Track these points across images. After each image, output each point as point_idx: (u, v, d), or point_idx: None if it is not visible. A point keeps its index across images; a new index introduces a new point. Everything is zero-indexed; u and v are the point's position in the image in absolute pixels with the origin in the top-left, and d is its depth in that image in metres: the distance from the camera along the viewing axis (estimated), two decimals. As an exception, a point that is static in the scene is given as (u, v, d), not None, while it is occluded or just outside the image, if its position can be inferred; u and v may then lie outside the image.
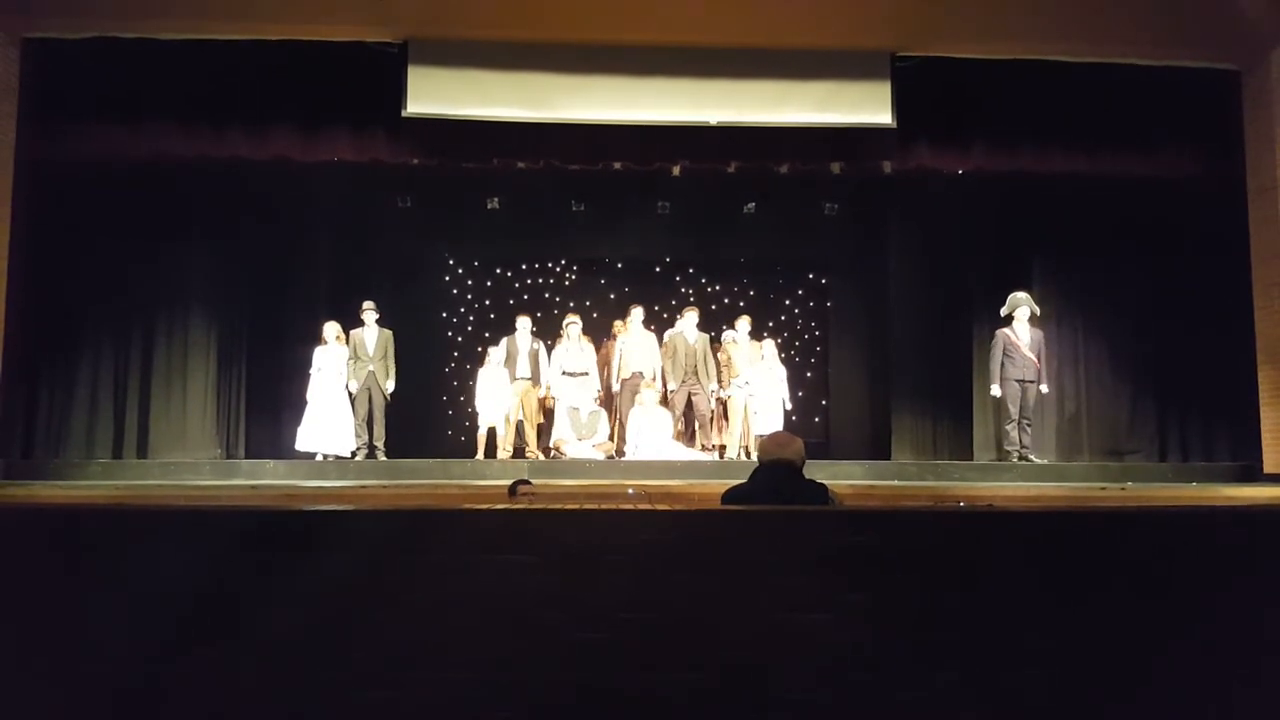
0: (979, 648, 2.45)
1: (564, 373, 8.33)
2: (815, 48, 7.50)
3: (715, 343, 8.73)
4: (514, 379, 8.31)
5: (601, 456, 7.98)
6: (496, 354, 8.43)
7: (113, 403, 8.06)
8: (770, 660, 2.40)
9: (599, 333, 9.33)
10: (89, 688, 2.38)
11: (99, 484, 6.76)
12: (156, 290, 8.27)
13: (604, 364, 8.71)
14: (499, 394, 8.29)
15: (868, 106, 7.57)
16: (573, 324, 8.49)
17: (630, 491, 5.81)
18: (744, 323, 8.69)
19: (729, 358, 8.50)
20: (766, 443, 3.42)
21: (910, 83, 7.57)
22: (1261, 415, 7.49)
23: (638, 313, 8.63)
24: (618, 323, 9.08)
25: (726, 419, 8.61)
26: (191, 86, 7.26)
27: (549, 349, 8.62)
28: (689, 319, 8.43)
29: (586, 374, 8.35)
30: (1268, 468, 7.38)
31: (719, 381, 8.47)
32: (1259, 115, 7.57)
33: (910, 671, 2.42)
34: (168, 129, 7.33)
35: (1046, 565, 2.54)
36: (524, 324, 8.53)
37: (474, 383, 8.61)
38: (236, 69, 7.29)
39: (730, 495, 3.26)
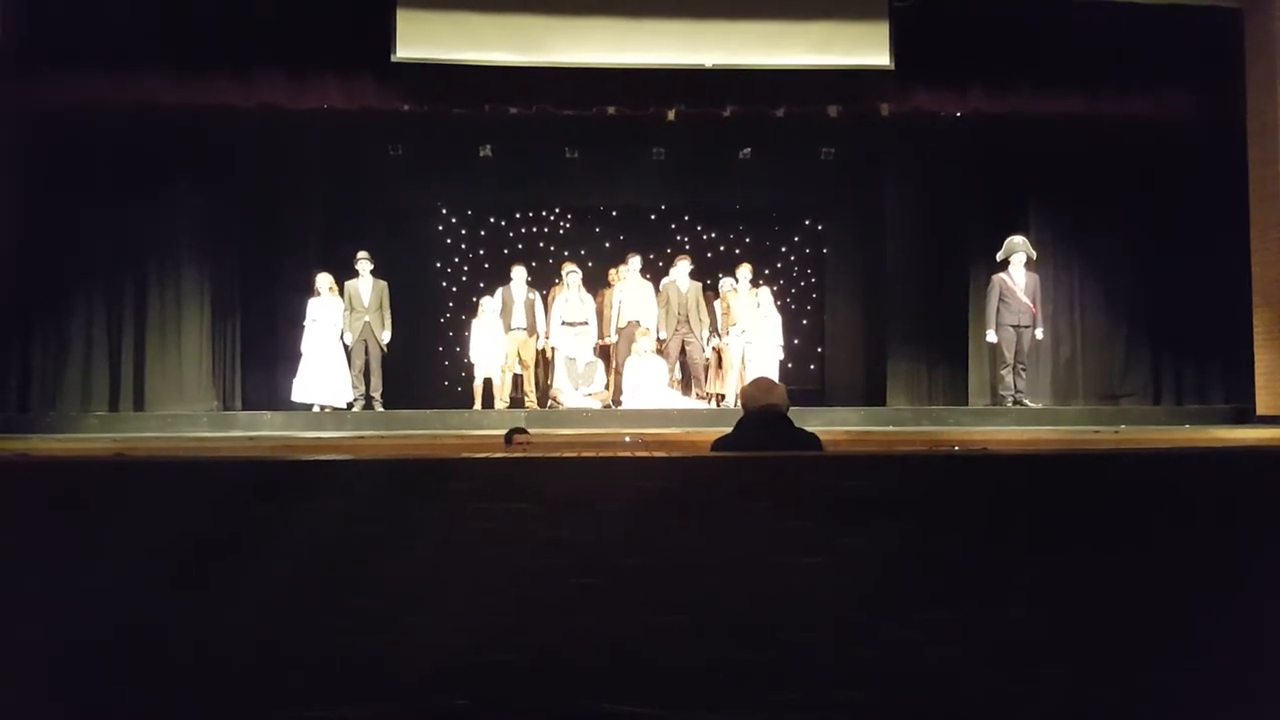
0: (972, 589, 2.49)
1: (564, 323, 8.31)
2: (812, -13, 7.37)
3: (710, 291, 8.69)
4: (510, 329, 8.28)
5: (598, 405, 8.00)
6: (491, 304, 8.40)
7: (108, 355, 8.02)
8: (766, 603, 2.44)
9: (593, 282, 9.29)
10: (89, 641, 2.40)
11: (97, 437, 6.77)
12: (148, 241, 8.18)
13: (601, 313, 8.70)
14: (493, 344, 8.27)
15: (865, 48, 7.46)
16: (572, 273, 8.45)
17: (627, 440, 5.84)
18: (744, 270, 8.58)
19: (728, 306, 8.47)
20: (751, 389, 3.33)
21: (908, 24, 7.44)
22: (1256, 357, 7.52)
23: (634, 261, 8.59)
24: (613, 271, 9.03)
25: (721, 367, 8.62)
26: (176, 31, 7.10)
27: (544, 298, 8.59)
28: (681, 267, 8.40)
29: (586, 324, 8.34)
30: (1261, 410, 7.43)
31: (717, 330, 8.46)
32: (1261, 55, 7.46)
33: (904, 612, 2.46)
34: (153, 75, 7.20)
35: (1040, 508, 2.57)
36: (519, 274, 8.47)
37: (469, 333, 8.60)
38: (221, 13, 7.14)
39: (720, 446, 3.20)
